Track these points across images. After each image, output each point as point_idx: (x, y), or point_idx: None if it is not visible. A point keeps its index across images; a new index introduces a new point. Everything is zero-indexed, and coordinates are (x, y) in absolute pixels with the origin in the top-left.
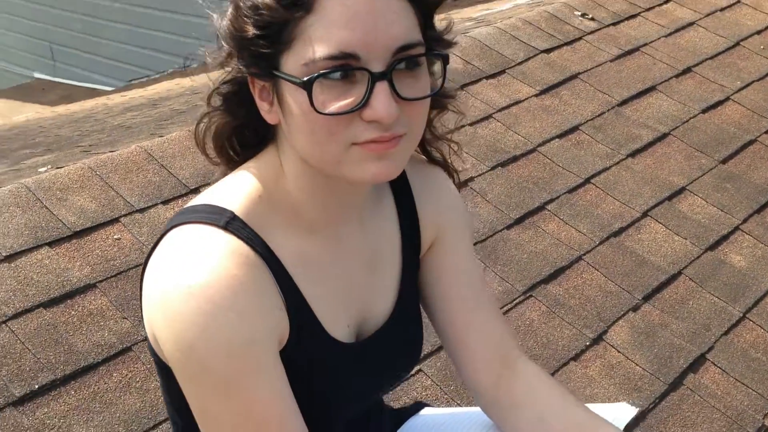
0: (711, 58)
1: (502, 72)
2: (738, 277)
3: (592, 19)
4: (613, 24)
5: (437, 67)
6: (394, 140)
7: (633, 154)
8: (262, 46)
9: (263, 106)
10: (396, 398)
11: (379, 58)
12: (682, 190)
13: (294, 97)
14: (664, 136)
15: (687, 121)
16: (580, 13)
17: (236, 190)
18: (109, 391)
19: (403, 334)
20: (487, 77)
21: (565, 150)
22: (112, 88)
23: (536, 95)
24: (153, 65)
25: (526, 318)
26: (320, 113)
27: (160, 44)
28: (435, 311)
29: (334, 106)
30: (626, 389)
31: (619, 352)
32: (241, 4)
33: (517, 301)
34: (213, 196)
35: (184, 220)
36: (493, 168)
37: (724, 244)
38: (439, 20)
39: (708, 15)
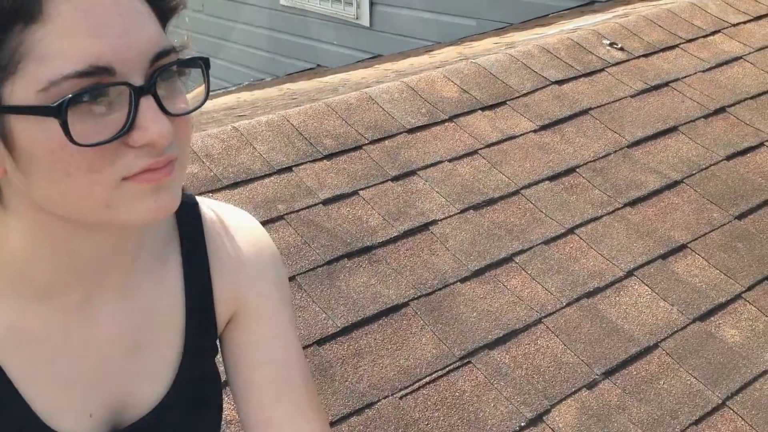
0: (752, 98)
1: (502, 104)
2: (727, 354)
3: (621, 48)
4: (645, 55)
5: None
6: (170, 165)
7: (633, 203)
8: None
9: None
10: None
11: (137, 69)
12: (682, 247)
13: (34, 134)
14: (675, 183)
15: (706, 168)
16: (608, 42)
17: None
18: None
19: (181, 424)
20: (483, 108)
21: (553, 194)
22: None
23: (535, 131)
24: (231, 77)
25: (456, 389)
26: (81, 145)
27: (238, 56)
28: (236, 401)
29: (95, 135)
30: None
31: None
32: None
33: (450, 368)
34: None
35: None
36: (463, 211)
37: (719, 314)
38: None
39: (759, 49)
